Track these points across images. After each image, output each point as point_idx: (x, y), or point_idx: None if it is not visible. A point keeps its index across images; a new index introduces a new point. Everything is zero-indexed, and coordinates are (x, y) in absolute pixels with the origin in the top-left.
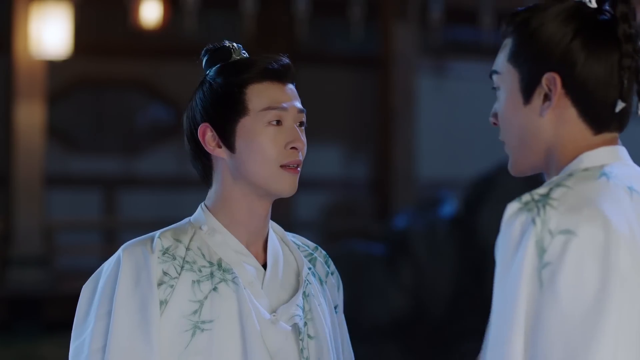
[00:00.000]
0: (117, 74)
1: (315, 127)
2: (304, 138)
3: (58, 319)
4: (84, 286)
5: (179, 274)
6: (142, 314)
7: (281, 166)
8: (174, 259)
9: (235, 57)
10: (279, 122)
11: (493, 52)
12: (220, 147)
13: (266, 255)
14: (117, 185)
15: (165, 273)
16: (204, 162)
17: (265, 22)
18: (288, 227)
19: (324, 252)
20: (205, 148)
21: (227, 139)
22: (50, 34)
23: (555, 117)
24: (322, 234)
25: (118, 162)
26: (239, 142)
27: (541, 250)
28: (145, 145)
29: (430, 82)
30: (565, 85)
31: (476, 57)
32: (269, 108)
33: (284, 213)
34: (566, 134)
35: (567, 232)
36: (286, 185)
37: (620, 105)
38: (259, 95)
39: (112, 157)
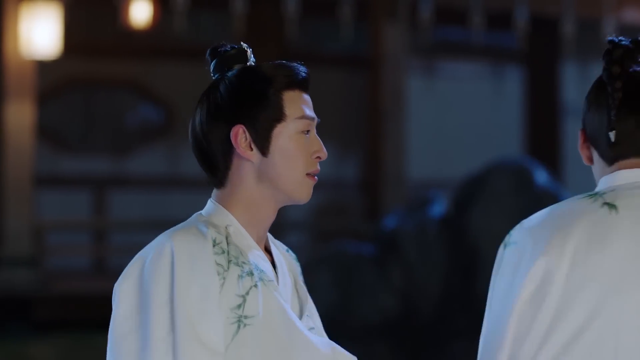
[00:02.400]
0: (107, 74)
1: None
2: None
3: (48, 319)
4: (122, 283)
5: (228, 268)
6: (205, 302)
7: (307, 174)
8: (223, 252)
9: (251, 60)
10: (308, 132)
11: (483, 53)
12: (251, 149)
13: (269, 256)
14: (107, 186)
15: (218, 264)
16: (225, 162)
17: (255, 23)
18: (278, 227)
19: (294, 254)
20: (237, 149)
21: (261, 143)
22: (40, 34)
23: (591, 159)
24: (312, 234)
25: (108, 162)
26: (274, 146)
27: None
28: (135, 145)
29: (420, 82)
30: (583, 135)
31: (466, 58)
32: (302, 117)
33: None
34: (596, 169)
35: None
36: (306, 192)
37: (613, 136)
38: (293, 102)
39: (102, 157)
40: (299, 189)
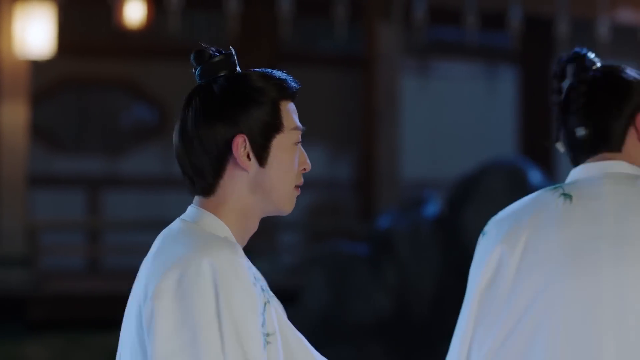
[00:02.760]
0: (101, 74)
1: None
2: None
3: (42, 319)
4: (159, 298)
5: (255, 284)
6: (252, 320)
7: (295, 186)
8: (250, 267)
9: (238, 67)
10: (299, 143)
11: (477, 53)
12: (249, 159)
13: None
14: (101, 185)
15: (253, 282)
16: (216, 170)
17: (249, 22)
18: (272, 227)
19: None
20: (237, 159)
21: (260, 153)
22: (34, 33)
23: None
24: (305, 234)
25: (102, 162)
26: (272, 157)
27: None
28: (129, 145)
29: (414, 82)
30: None
31: (460, 57)
32: (296, 128)
33: None
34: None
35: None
36: (292, 204)
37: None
38: (288, 113)
39: (96, 157)
40: (287, 201)
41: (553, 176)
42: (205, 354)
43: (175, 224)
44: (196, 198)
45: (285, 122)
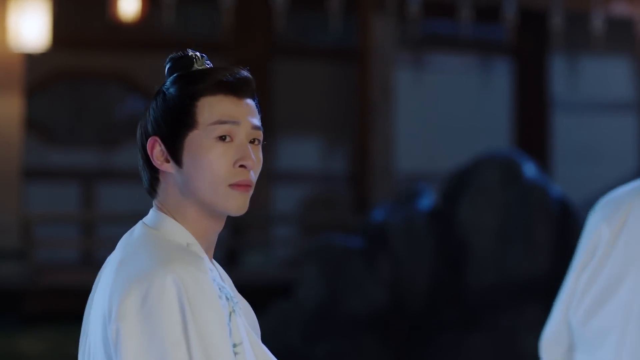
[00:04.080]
0: (95, 67)
1: (293, 120)
2: (260, 156)
3: (36, 312)
4: (121, 320)
5: (220, 296)
6: (220, 335)
7: (230, 185)
8: (214, 279)
9: (197, 67)
10: (229, 138)
11: (471, 45)
12: (168, 161)
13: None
14: (95, 178)
15: (219, 295)
16: (151, 174)
17: (244, 16)
18: (266, 220)
19: None
20: (153, 162)
21: (174, 154)
22: (28, 26)
23: None
24: (300, 227)
25: (96, 155)
26: (187, 157)
27: None
28: (123, 138)
29: (408, 75)
30: None
31: (454, 50)
32: (218, 122)
33: (262, 206)
34: None
35: None
36: (235, 204)
37: None
38: (210, 108)
39: (90, 150)
40: (222, 201)
41: (547, 169)
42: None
43: (137, 229)
44: (154, 201)
45: (202, 117)
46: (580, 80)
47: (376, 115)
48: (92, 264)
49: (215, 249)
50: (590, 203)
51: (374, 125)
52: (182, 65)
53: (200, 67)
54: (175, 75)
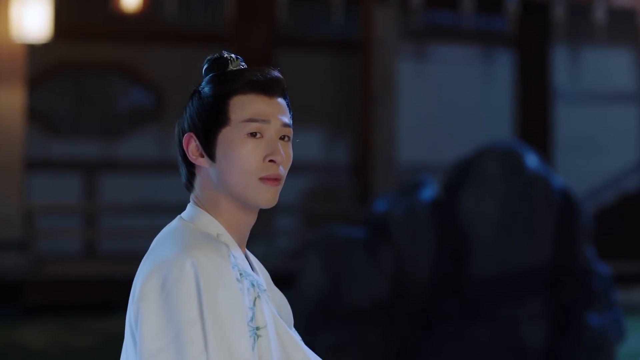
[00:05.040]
0: (97, 58)
1: (296, 111)
2: (290, 152)
3: (38, 302)
4: (142, 300)
5: (241, 280)
6: (236, 318)
7: (260, 179)
8: (235, 265)
9: (232, 68)
10: (259, 135)
11: (473, 36)
12: (202, 156)
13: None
14: (97, 169)
15: (237, 278)
16: (188, 169)
17: (246, 7)
18: (268, 211)
19: None
20: (188, 157)
21: (208, 149)
22: (30, 17)
23: None
24: (302, 218)
25: (99, 146)
26: (219, 152)
27: None
28: (125, 129)
29: (410, 66)
30: None
31: (456, 41)
32: (250, 120)
33: None
34: None
35: None
36: (264, 197)
37: None
38: (242, 106)
39: (92, 141)
40: (252, 194)
41: (549, 160)
42: (189, 353)
43: (174, 223)
44: (191, 196)
45: (234, 115)
46: (582, 71)
47: (378, 106)
48: (94, 255)
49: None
50: (592, 193)
51: (376, 116)
52: (218, 65)
53: (235, 68)
54: (210, 75)
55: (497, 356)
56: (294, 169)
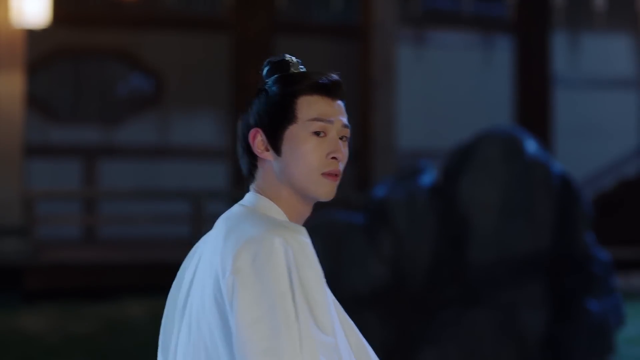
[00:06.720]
0: (97, 44)
1: None
2: (345, 151)
3: (38, 288)
4: (236, 274)
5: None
6: (322, 293)
7: (322, 174)
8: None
9: (293, 70)
10: (323, 134)
11: (473, 22)
12: (268, 150)
13: None
14: (97, 155)
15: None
16: (250, 162)
17: None
18: None
19: None
20: (254, 150)
21: (274, 143)
22: (30, 3)
23: None
24: None
25: (98, 132)
26: (285, 147)
27: None
28: (125, 115)
29: (410, 52)
30: None
31: (456, 27)
32: (316, 119)
33: None
34: None
35: None
36: (324, 191)
37: None
38: (308, 106)
39: (92, 126)
40: (313, 187)
41: (548, 146)
42: (283, 321)
43: (235, 208)
44: (251, 186)
45: (300, 113)
46: (581, 57)
47: (377, 92)
48: (94, 241)
49: None
50: (591, 179)
51: (375, 101)
52: (280, 67)
53: (296, 71)
54: (276, 76)
55: (497, 341)
56: None
